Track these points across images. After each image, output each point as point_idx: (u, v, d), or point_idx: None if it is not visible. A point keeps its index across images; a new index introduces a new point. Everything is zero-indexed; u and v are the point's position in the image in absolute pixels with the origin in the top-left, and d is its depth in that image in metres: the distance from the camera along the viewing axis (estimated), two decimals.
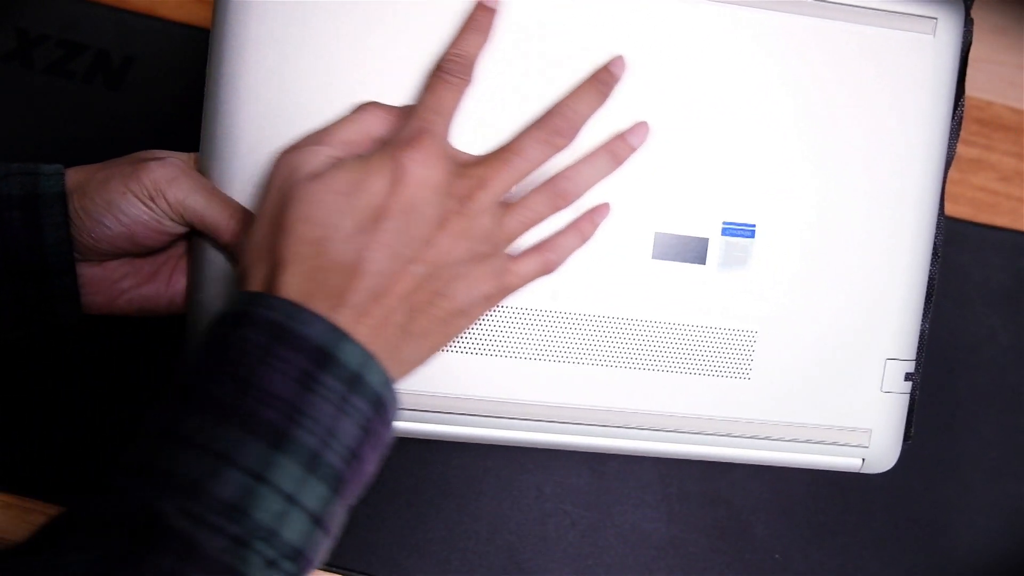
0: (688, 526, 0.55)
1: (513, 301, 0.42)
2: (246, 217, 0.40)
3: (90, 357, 0.54)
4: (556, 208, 0.41)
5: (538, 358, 0.43)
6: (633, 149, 0.41)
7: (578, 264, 0.42)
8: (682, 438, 0.44)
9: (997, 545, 0.58)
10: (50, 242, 0.40)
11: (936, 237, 0.45)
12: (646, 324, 0.43)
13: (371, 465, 0.36)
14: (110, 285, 0.43)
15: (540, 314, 0.43)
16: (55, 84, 0.59)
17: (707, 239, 0.42)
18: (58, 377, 0.54)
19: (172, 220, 0.40)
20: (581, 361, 0.43)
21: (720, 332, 0.43)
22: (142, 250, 0.42)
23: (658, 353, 0.43)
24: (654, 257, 0.42)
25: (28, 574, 0.29)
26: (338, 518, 0.35)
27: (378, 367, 0.35)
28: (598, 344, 0.43)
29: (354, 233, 0.36)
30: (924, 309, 0.46)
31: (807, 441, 0.45)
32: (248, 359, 0.33)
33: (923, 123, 0.43)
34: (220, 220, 0.40)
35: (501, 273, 0.40)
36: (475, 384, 0.43)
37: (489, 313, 0.42)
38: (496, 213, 0.39)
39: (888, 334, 0.45)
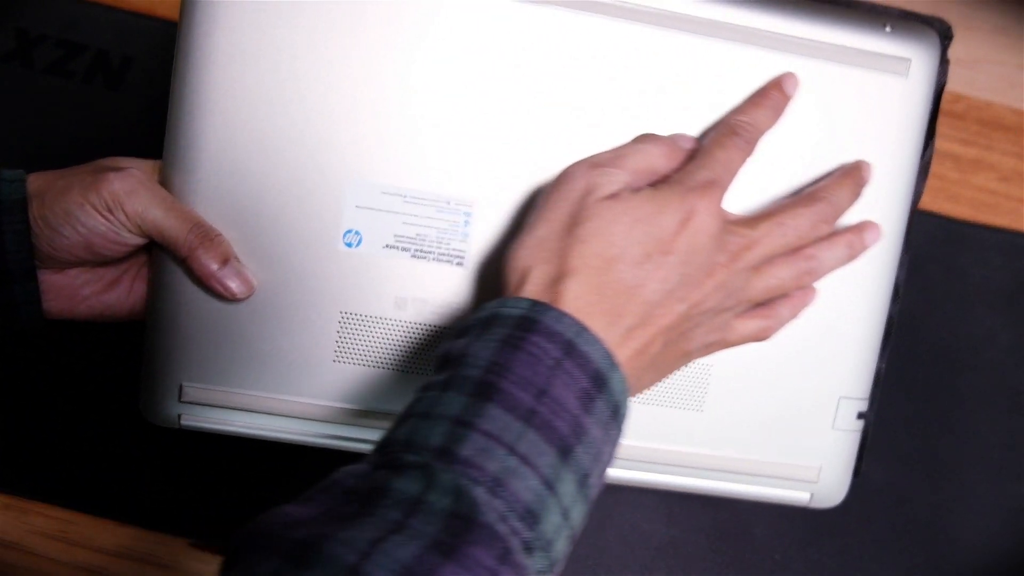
0: (688, 526, 0.55)
1: None
2: (204, 231, 0.41)
3: (90, 357, 0.54)
4: (799, 285, 0.42)
5: None
6: (866, 248, 0.43)
7: None
8: (630, 466, 0.45)
9: (997, 545, 0.58)
10: (11, 248, 0.40)
11: (898, 276, 0.46)
12: None
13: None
14: (71, 292, 0.43)
15: None
16: (55, 84, 0.59)
17: None
18: (58, 377, 0.54)
19: (130, 232, 0.41)
20: None
21: None
22: (101, 260, 0.42)
23: None
24: None
25: (351, 542, 0.28)
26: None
27: (629, 400, 0.37)
28: None
29: (641, 260, 0.37)
30: (881, 348, 0.47)
31: (756, 475, 0.46)
32: (542, 367, 0.34)
33: (890, 165, 0.44)
34: (178, 234, 0.40)
35: (726, 328, 0.41)
36: None
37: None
38: (750, 274, 0.40)
39: (843, 373, 0.45)
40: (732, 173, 0.40)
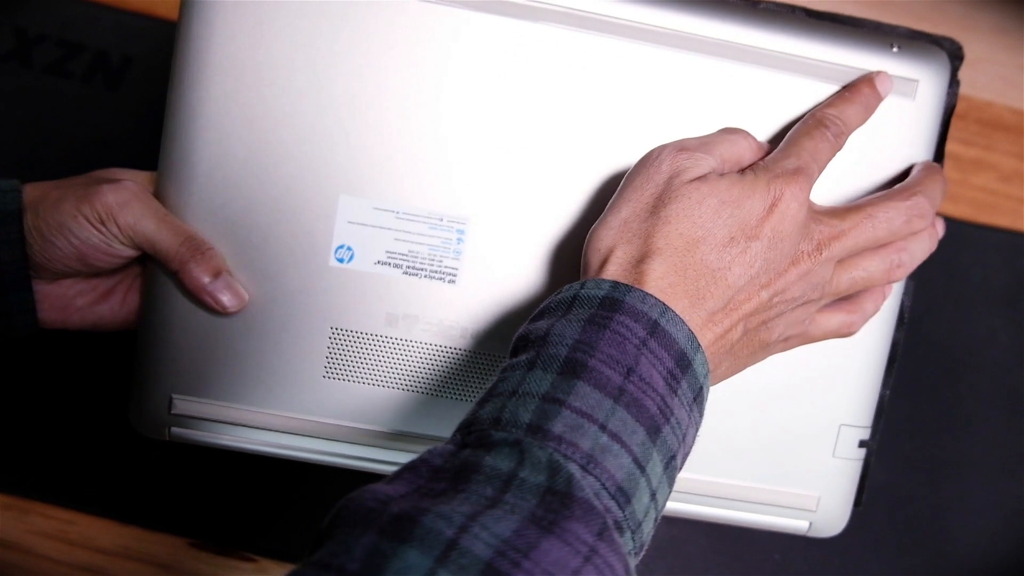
0: (688, 526, 0.55)
1: (462, 343, 0.43)
2: (196, 244, 0.41)
3: (90, 358, 0.54)
4: (889, 279, 0.41)
5: (468, 400, 0.43)
6: (939, 237, 0.43)
7: (529, 311, 0.42)
8: None
9: (997, 545, 0.58)
10: (5, 259, 0.40)
11: (903, 301, 0.45)
12: None
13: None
14: (64, 302, 0.43)
15: (486, 359, 0.43)
16: (54, 84, 0.59)
17: None
18: (59, 377, 0.54)
19: (123, 244, 0.41)
20: None
21: None
22: (94, 271, 0.42)
23: None
24: None
25: (448, 516, 0.27)
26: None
27: (709, 384, 0.36)
28: None
29: (726, 243, 0.37)
30: (885, 376, 0.46)
31: (754, 502, 0.45)
32: (629, 346, 0.34)
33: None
34: (170, 247, 0.40)
35: (809, 321, 0.41)
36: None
37: (462, 358, 0.43)
38: (835, 266, 0.40)
39: (844, 400, 0.45)
40: (820, 164, 0.40)
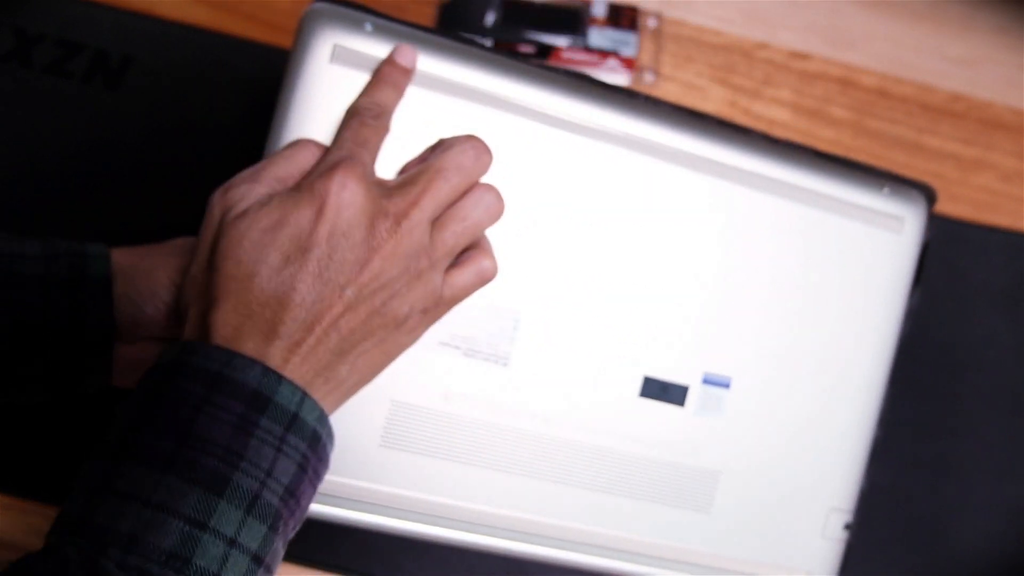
0: None
1: (511, 421, 0.46)
2: None
3: None
4: (493, 217, 0.41)
5: (523, 475, 0.46)
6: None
7: (574, 394, 0.46)
8: (641, 560, 0.48)
9: (997, 545, 0.58)
10: (92, 324, 0.41)
11: (883, 407, 0.51)
12: (626, 455, 0.47)
13: (308, 499, 0.37)
14: (138, 363, 0.43)
15: (531, 436, 0.46)
16: (54, 84, 0.59)
17: (688, 386, 0.47)
18: None
19: None
20: (567, 482, 0.47)
21: (690, 469, 0.48)
22: (173, 333, 0.42)
23: (633, 482, 0.47)
24: (641, 395, 0.47)
25: None
26: (278, 553, 0.36)
27: (314, 405, 0.36)
28: (582, 469, 0.47)
29: (281, 266, 0.36)
30: (864, 471, 0.51)
31: (751, 574, 0.50)
32: (185, 409, 0.34)
33: (882, 307, 0.49)
34: None
35: (440, 287, 0.40)
36: (469, 495, 0.46)
37: (484, 428, 0.46)
38: (431, 228, 0.39)
39: (834, 487, 0.50)
40: (369, 148, 0.39)
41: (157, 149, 0.59)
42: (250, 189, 0.38)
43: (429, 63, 0.43)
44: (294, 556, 0.53)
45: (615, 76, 0.65)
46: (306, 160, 0.40)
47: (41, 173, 0.58)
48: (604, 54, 0.65)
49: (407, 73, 0.42)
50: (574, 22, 0.65)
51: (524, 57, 0.47)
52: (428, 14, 0.66)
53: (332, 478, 0.45)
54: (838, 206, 0.48)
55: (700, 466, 0.48)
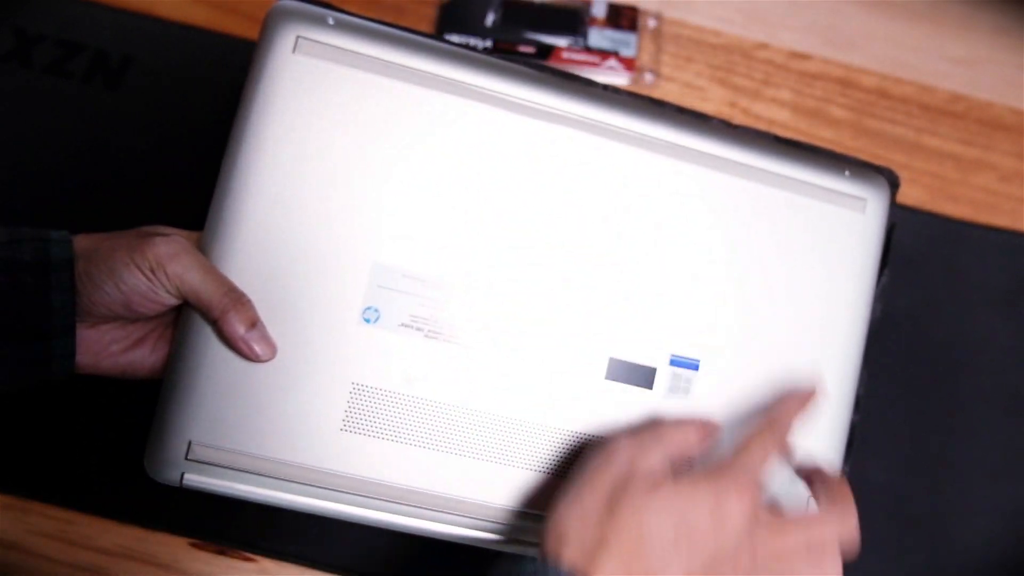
0: None
1: (473, 404, 0.46)
2: (237, 295, 0.44)
3: None
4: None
5: (486, 460, 0.46)
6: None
7: (538, 377, 0.46)
8: None
9: (997, 545, 0.58)
10: (56, 305, 0.42)
11: (858, 390, 0.50)
12: (595, 440, 0.47)
13: None
14: (100, 347, 0.45)
15: (494, 419, 0.46)
16: (54, 84, 0.59)
17: (656, 368, 0.47)
18: None
19: (168, 292, 0.43)
20: (531, 467, 0.46)
21: None
22: (134, 317, 0.44)
23: None
24: (607, 378, 0.47)
25: None
26: None
27: None
28: (547, 453, 0.46)
29: (670, 545, 0.40)
30: (844, 455, 0.50)
31: None
32: None
33: (849, 287, 0.49)
34: (213, 297, 0.43)
35: None
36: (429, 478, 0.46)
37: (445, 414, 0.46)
38: (775, 562, 0.42)
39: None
40: (766, 466, 0.43)
41: (157, 149, 0.59)
42: (652, 451, 0.42)
43: (393, 55, 0.45)
44: (294, 556, 0.53)
45: (615, 76, 0.65)
46: (694, 443, 0.44)
47: (41, 173, 0.58)
48: (604, 54, 0.65)
49: (815, 399, 0.47)
50: (574, 22, 0.66)
51: (469, 48, 0.48)
52: (428, 14, 0.66)
53: (290, 462, 0.45)
54: (802, 187, 0.49)
55: None
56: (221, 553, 0.53)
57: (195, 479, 0.45)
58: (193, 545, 0.53)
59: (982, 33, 0.69)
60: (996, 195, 0.65)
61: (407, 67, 0.45)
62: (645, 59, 0.66)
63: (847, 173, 0.49)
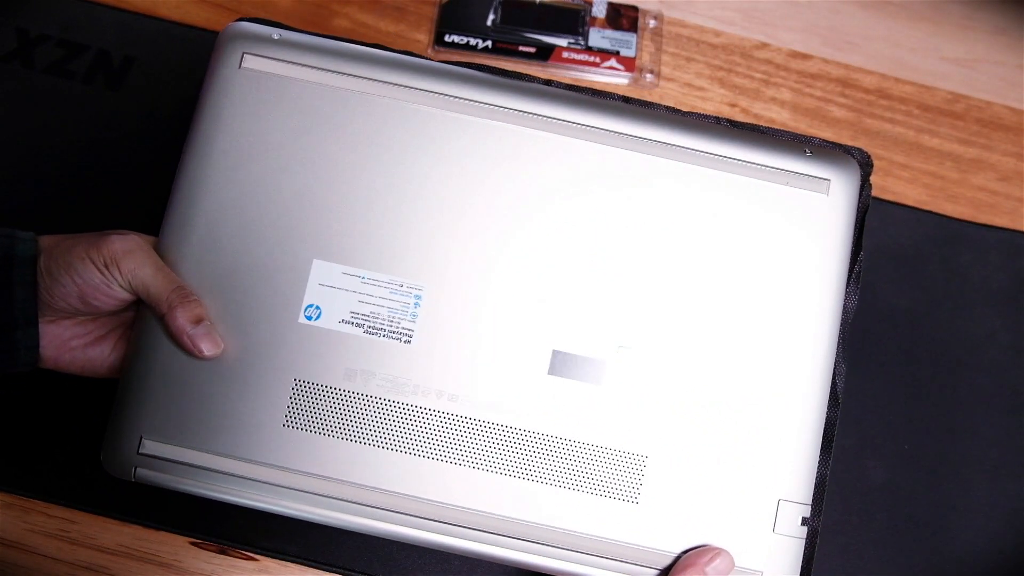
0: None
1: (413, 399, 0.46)
2: (184, 292, 0.46)
3: None
4: None
5: (428, 456, 0.46)
6: None
7: (479, 371, 0.46)
8: (561, 554, 0.46)
9: (997, 545, 0.58)
10: (19, 298, 0.45)
11: (834, 384, 0.47)
12: (538, 436, 0.46)
13: None
14: (61, 342, 0.47)
15: (436, 415, 0.46)
16: (55, 84, 0.59)
17: (603, 360, 0.46)
18: (59, 378, 0.54)
19: (121, 287, 0.45)
20: (474, 465, 0.46)
21: (611, 452, 0.46)
22: (92, 311, 0.46)
23: (547, 466, 0.46)
24: (550, 373, 0.46)
25: None
26: None
27: None
28: (490, 451, 0.46)
29: None
30: (823, 455, 0.47)
31: None
32: None
33: (817, 274, 0.47)
34: (161, 293, 0.45)
35: None
36: (370, 475, 0.46)
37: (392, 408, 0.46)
38: None
39: (780, 474, 0.46)
40: None
41: (158, 149, 0.59)
42: None
43: (332, 64, 0.48)
44: (294, 556, 0.53)
45: (615, 76, 0.65)
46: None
47: (42, 173, 0.58)
48: (604, 54, 0.65)
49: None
50: (574, 22, 0.66)
51: (408, 53, 0.50)
52: (429, 14, 0.66)
53: (231, 460, 0.45)
54: (759, 171, 0.47)
55: (623, 449, 0.46)
56: (222, 552, 0.53)
57: (146, 474, 0.46)
58: (194, 544, 0.53)
59: (981, 33, 0.69)
60: (995, 195, 0.65)
61: (345, 74, 0.48)
62: (645, 59, 0.66)
63: (808, 153, 0.48)
